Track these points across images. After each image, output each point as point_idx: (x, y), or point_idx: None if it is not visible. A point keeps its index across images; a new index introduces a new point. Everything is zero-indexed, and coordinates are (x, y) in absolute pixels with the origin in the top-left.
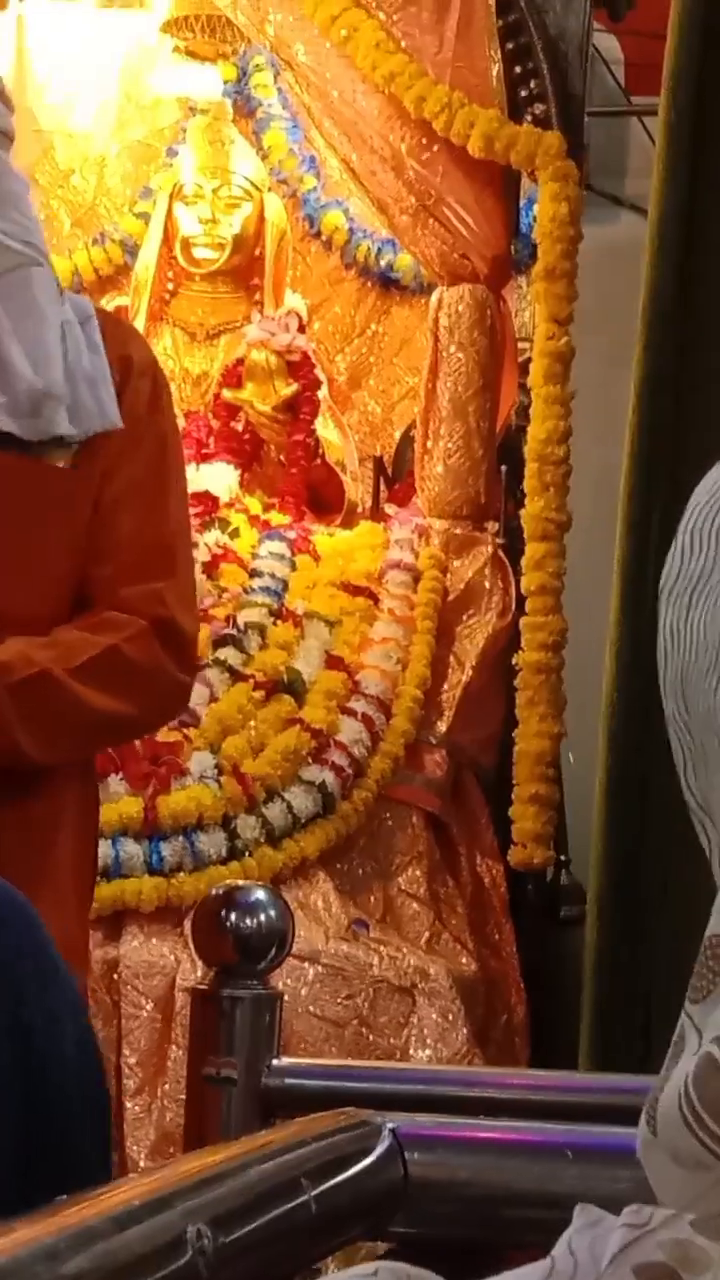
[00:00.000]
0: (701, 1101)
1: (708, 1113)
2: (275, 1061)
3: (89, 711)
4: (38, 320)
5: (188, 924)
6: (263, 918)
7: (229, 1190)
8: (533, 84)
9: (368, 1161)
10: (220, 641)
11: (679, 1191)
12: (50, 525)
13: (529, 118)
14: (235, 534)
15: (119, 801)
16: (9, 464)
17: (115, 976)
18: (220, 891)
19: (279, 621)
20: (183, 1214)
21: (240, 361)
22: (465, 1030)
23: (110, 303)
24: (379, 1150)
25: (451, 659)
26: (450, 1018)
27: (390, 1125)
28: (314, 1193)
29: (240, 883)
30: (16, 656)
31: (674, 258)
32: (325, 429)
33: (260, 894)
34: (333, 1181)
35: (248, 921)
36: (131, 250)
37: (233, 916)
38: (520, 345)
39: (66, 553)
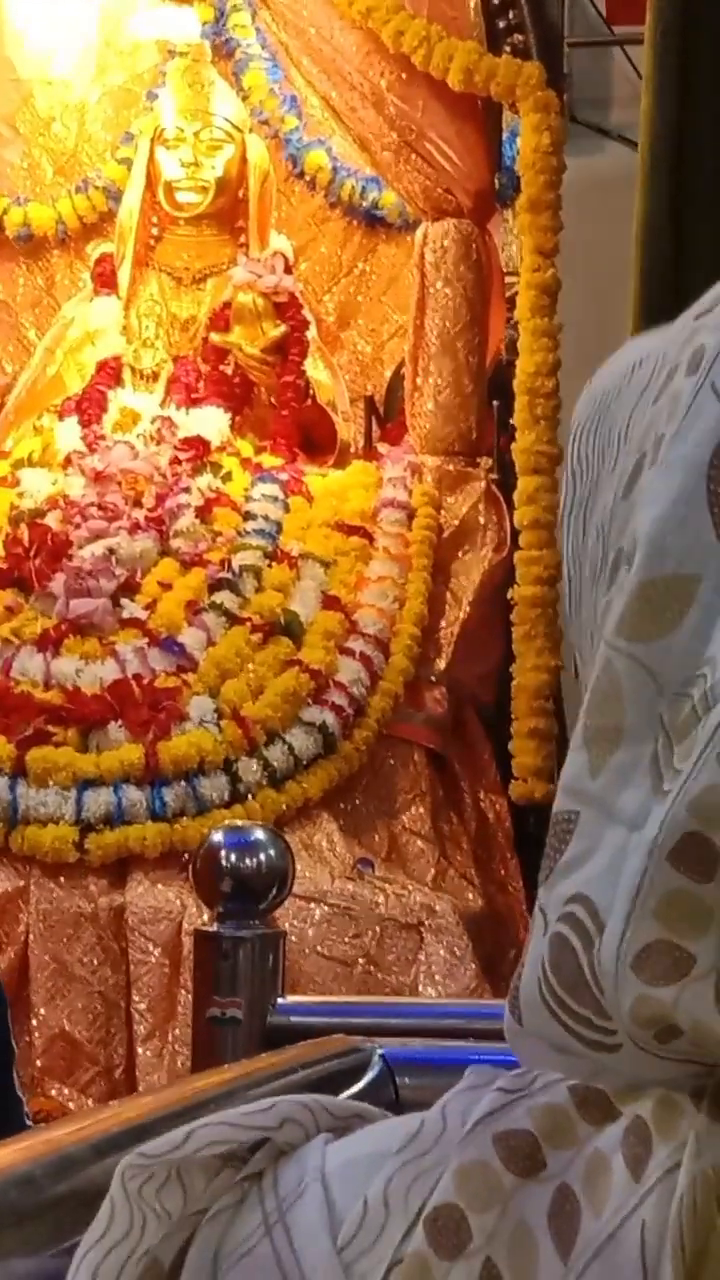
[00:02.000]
0: (560, 983)
1: (565, 992)
2: (280, 1000)
3: None
4: None
5: (190, 867)
6: (262, 857)
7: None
8: (510, 14)
9: (358, 1086)
10: (216, 585)
11: (564, 1073)
12: None
13: (508, 49)
14: (227, 477)
15: (119, 748)
16: None
17: (122, 923)
18: (219, 833)
19: (274, 564)
20: None
21: (227, 305)
22: (473, 965)
23: (95, 250)
24: (370, 1075)
25: (448, 596)
26: (458, 953)
27: (381, 1050)
28: None
29: (239, 823)
30: None
31: (665, 182)
32: (315, 370)
33: (259, 834)
34: None
35: (247, 861)
36: (115, 196)
37: (232, 857)
38: (508, 279)
39: None
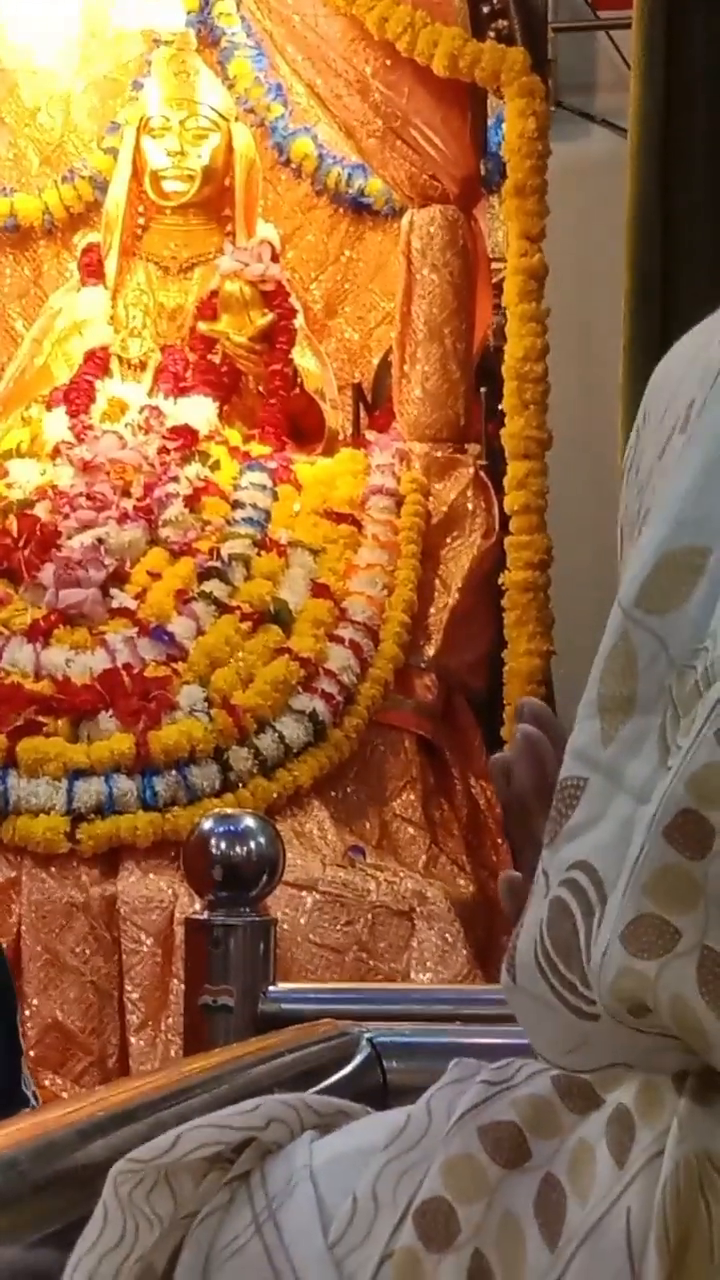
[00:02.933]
0: (553, 945)
1: (558, 956)
2: (271, 988)
3: None
4: None
5: (181, 857)
6: (252, 845)
7: (200, 1102)
8: (494, 0)
9: (347, 1070)
10: (205, 574)
11: (551, 1038)
12: None
13: (492, 34)
14: (216, 466)
15: (110, 738)
16: None
17: (114, 913)
18: (209, 821)
19: (263, 552)
20: (150, 1126)
21: (215, 293)
22: (465, 952)
23: (82, 240)
24: (358, 1059)
25: (437, 582)
26: (450, 940)
27: (368, 1035)
28: None
29: (229, 811)
30: None
31: (654, 167)
32: (302, 358)
33: (249, 821)
34: (310, 1092)
35: (237, 849)
36: (101, 186)
37: (222, 845)
38: (494, 265)
39: None
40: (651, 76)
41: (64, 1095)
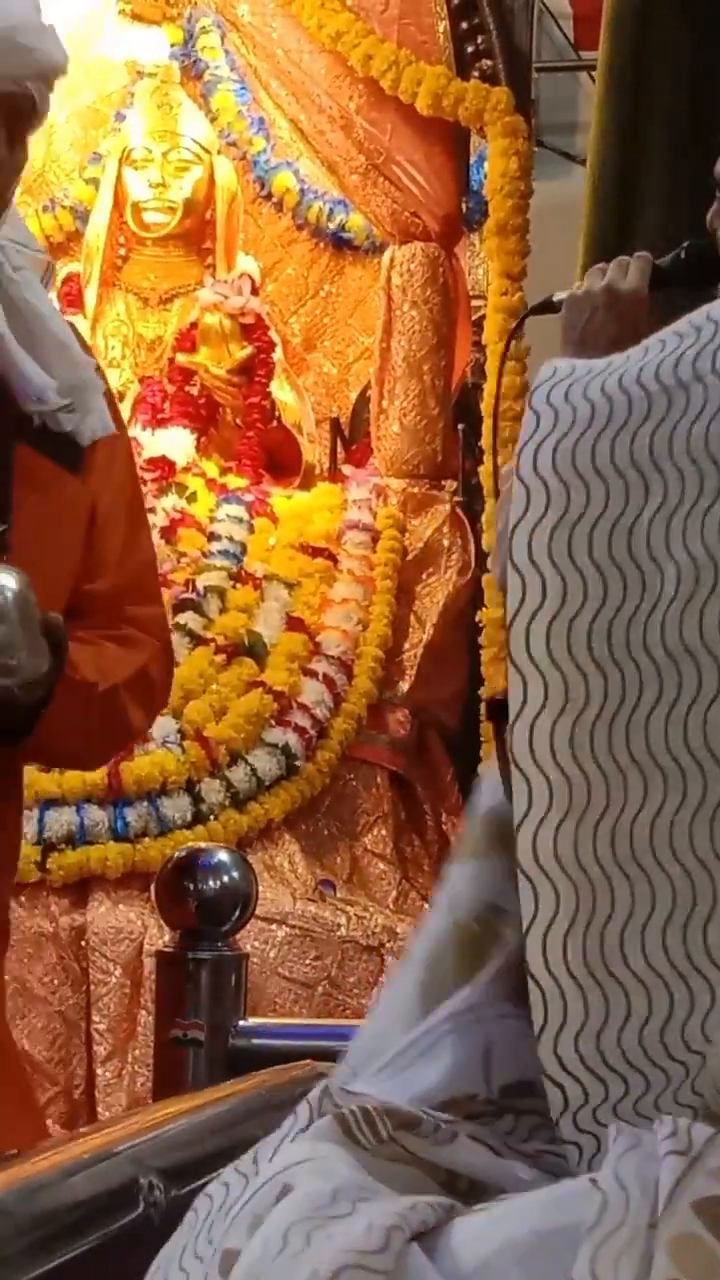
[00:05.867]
0: None
1: None
2: (242, 1022)
3: (128, 725)
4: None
5: (153, 889)
6: (225, 879)
7: (182, 1143)
8: (479, 39)
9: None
10: (180, 606)
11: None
12: (65, 534)
13: (476, 73)
14: (193, 498)
15: None
16: (40, 468)
17: (83, 943)
18: (182, 854)
19: (238, 585)
20: (133, 1166)
21: (194, 325)
22: None
23: (62, 270)
24: None
25: (412, 618)
26: None
27: None
28: None
29: (202, 845)
30: (93, 669)
31: (613, 209)
32: (281, 391)
33: (222, 855)
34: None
35: (210, 883)
36: (82, 216)
37: (195, 878)
38: (475, 302)
39: (72, 563)
40: (612, 127)
41: None
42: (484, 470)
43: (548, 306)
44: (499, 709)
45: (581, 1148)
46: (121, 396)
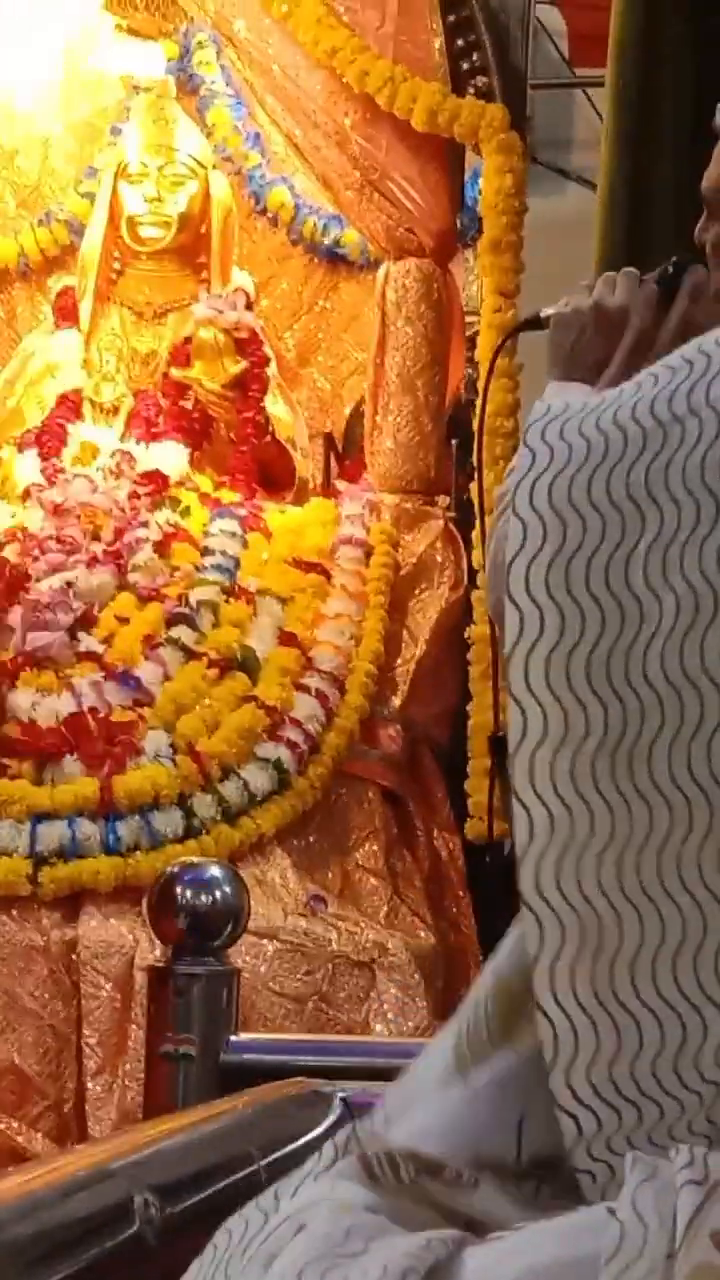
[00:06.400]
0: None
1: None
2: (233, 1037)
3: None
4: None
5: (145, 903)
6: (218, 894)
7: (178, 1161)
8: (475, 57)
9: (319, 1130)
10: (173, 620)
11: None
12: None
13: (471, 90)
14: (186, 512)
15: (74, 782)
16: None
17: (74, 957)
18: (175, 869)
19: (231, 599)
20: (128, 1184)
21: (188, 340)
22: (425, 1004)
23: (57, 283)
24: (330, 1119)
25: (404, 633)
26: (410, 992)
27: (342, 1094)
28: (264, 1162)
29: (195, 860)
30: None
31: (623, 227)
32: (274, 406)
33: (215, 870)
34: (284, 1151)
35: (203, 898)
36: (77, 230)
37: (188, 893)
38: (468, 319)
39: None
40: (623, 142)
41: (19, 1139)
42: (476, 487)
43: (535, 323)
44: (499, 743)
45: (596, 1176)
46: (116, 410)
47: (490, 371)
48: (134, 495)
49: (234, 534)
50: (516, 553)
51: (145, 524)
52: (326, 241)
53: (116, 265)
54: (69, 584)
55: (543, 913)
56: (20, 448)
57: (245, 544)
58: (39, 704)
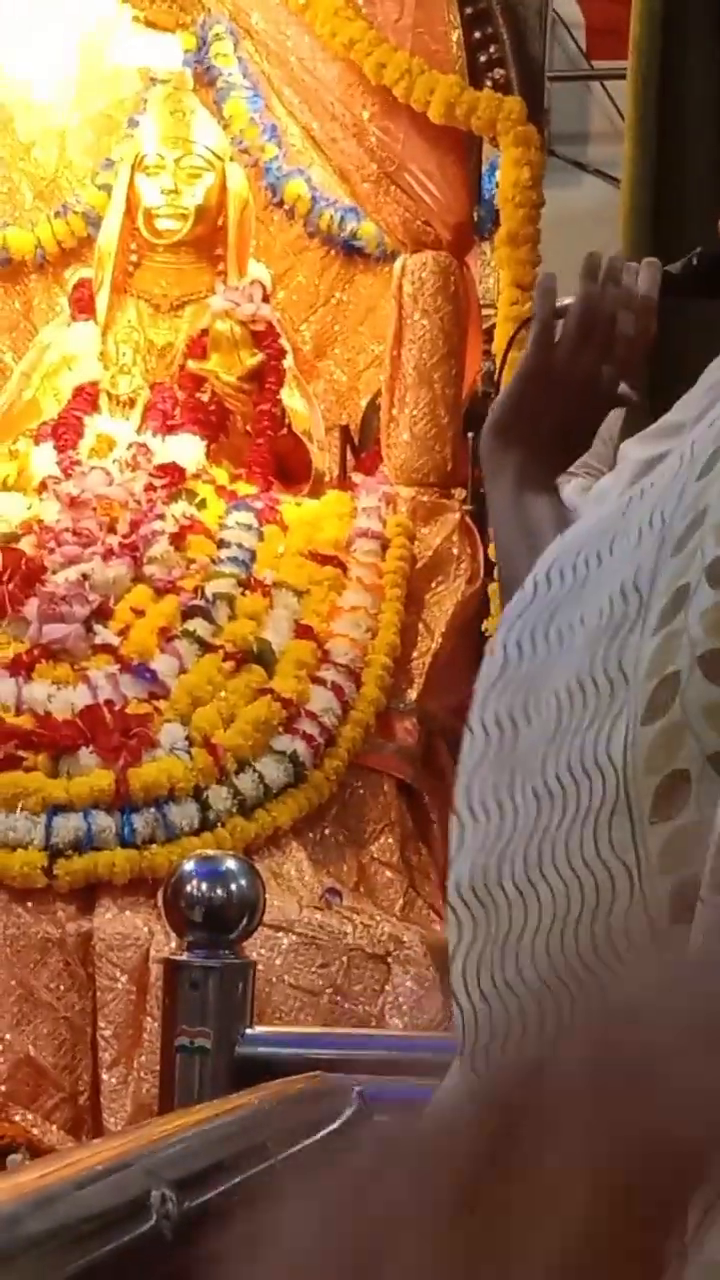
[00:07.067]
0: None
1: None
2: (248, 1030)
3: None
4: None
5: (161, 896)
6: (234, 887)
7: (194, 1154)
8: (492, 49)
9: (336, 1124)
10: (189, 613)
11: None
12: None
13: (489, 83)
14: (202, 505)
15: (90, 774)
16: None
17: (89, 949)
18: (190, 862)
19: (247, 592)
20: (145, 1178)
21: (205, 332)
22: (440, 997)
23: (74, 275)
24: (347, 1113)
25: (421, 626)
26: (425, 985)
27: (359, 1088)
28: (280, 1156)
29: (211, 852)
30: None
31: (646, 222)
32: (291, 398)
33: (231, 863)
34: (300, 1145)
35: (219, 891)
36: (94, 222)
37: (203, 886)
38: (485, 311)
39: None
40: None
41: (35, 1130)
42: None
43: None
44: None
45: None
46: (132, 403)
47: (503, 364)
48: (150, 488)
49: (250, 527)
50: (465, 760)
51: (161, 516)
52: (343, 234)
53: (133, 257)
54: (85, 576)
55: (460, 910)
56: (37, 440)
57: (261, 537)
58: (54, 696)
